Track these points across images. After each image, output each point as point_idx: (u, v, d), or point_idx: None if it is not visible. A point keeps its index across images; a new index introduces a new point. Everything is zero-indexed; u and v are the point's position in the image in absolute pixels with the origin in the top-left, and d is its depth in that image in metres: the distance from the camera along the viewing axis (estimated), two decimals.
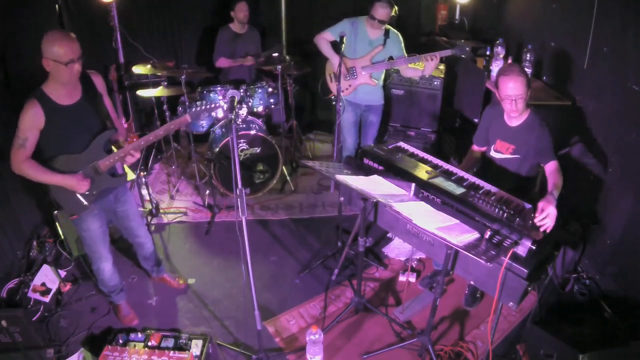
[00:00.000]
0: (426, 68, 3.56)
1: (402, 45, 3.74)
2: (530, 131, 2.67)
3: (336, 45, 3.74)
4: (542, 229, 2.19)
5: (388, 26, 3.66)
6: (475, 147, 3.04)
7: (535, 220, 2.21)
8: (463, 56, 3.54)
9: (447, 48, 3.50)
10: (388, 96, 4.53)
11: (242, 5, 4.55)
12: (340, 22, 3.73)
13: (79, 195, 2.54)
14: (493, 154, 2.87)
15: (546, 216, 2.19)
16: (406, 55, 3.71)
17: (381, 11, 3.51)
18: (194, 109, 2.46)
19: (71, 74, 2.33)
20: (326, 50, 3.77)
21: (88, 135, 2.50)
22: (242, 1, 4.54)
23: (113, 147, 2.67)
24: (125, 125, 2.79)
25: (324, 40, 3.77)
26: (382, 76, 3.90)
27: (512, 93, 2.55)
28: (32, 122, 2.32)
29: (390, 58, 3.72)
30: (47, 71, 2.35)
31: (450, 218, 2.26)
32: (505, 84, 2.56)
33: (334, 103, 3.80)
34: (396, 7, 3.58)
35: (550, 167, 2.62)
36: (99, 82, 2.60)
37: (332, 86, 3.90)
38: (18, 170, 2.39)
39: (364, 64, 3.69)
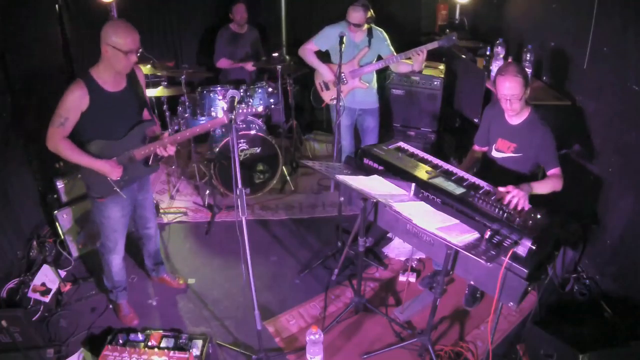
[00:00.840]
0: (415, 63, 3.51)
1: (388, 41, 3.71)
2: (532, 129, 2.68)
3: (321, 55, 3.76)
4: (511, 206, 2.30)
5: (370, 25, 3.62)
6: (476, 147, 3.05)
7: (504, 201, 2.33)
8: (451, 45, 3.49)
9: (434, 40, 3.47)
10: (388, 96, 4.53)
11: (239, 7, 4.56)
12: (322, 30, 3.72)
13: (109, 180, 2.55)
14: (494, 153, 2.87)
15: (512, 197, 2.31)
16: (394, 50, 3.68)
17: (354, 15, 3.49)
18: (234, 112, 2.37)
19: (128, 63, 2.39)
20: (312, 60, 3.77)
21: (128, 124, 2.55)
22: (240, 3, 4.54)
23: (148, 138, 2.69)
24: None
25: (308, 50, 3.76)
26: (374, 78, 3.87)
27: (508, 93, 2.57)
28: (75, 103, 2.36)
29: (379, 58, 3.70)
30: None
31: (450, 218, 2.26)
32: (502, 84, 2.58)
33: (333, 103, 3.80)
34: (372, 10, 3.54)
35: (552, 172, 2.65)
36: (140, 74, 2.67)
37: (324, 95, 3.89)
38: (54, 147, 2.41)
39: (352, 68, 3.67)
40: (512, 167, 2.81)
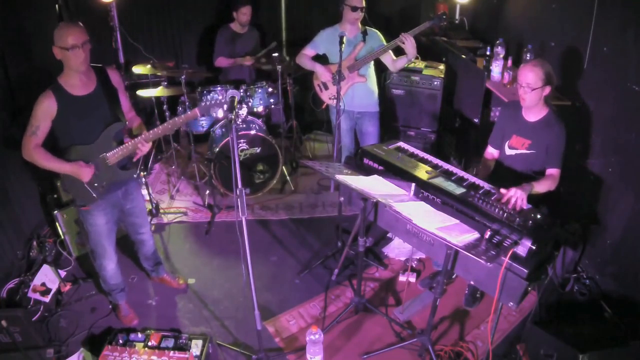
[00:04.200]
0: (408, 52, 3.46)
1: (382, 37, 3.69)
2: (549, 128, 2.71)
3: (319, 59, 3.78)
4: (510, 206, 2.34)
5: (365, 26, 3.62)
6: (488, 155, 3.04)
7: (503, 199, 2.37)
8: (441, 24, 3.50)
9: (425, 23, 3.45)
10: (388, 96, 4.53)
11: (247, 9, 4.56)
12: (317, 35, 3.75)
13: (88, 187, 2.56)
14: (507, 150, 2.89)
15: (511, 197, 2.36)
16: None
17: None
18: (203, 104, 2.49)
19: (77, 59, 2.37)
20: (308, 64, 3.78)
21: (100, 126, 2.55)
22: (248, 5, 4.54)
23: (125, 140, 2.68)
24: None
25: (305, 56, 3.78)
26: (372, 74, 3.84)
27: (521, 79, 2.64)
28: (44, 111, 2.39)
29: None
30: (55, 66, 2.43)
31: (450, 218, 2.26)
32: (520, 71, 2.66)
33: (333, 103, 3.80)
34: None
35: (551, 172, 2.69)
36: (114, 76, 2.64)
37: (323, 95, 3.89)
38: (28, 156, 2.45)
39: (349, 62, 3.67)
40: (523, 165, 2.83)
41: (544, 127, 2.73)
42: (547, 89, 2.63)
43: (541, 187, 2.58)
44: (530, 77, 2.59)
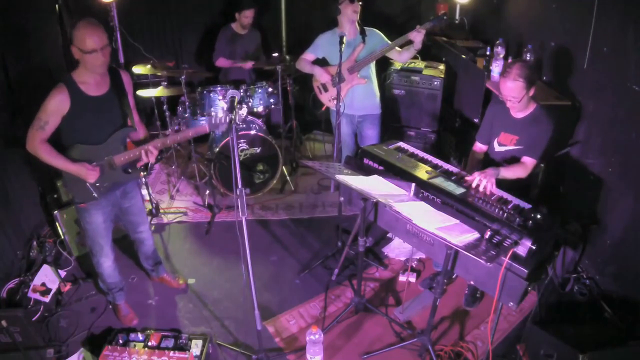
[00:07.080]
0: (416, 44, 3.45)
1: (382, 35, 3.69)
2: (536, 123, 2.72)
3: (318, 63, 3.79)
4: (480, 188, 2.42)
5: (362, 26, 3.60)
6: (477, 148, 3.05)
7: (472, 187, 2.45)
8: (442, 24, 3.55)
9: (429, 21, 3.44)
10: (388, 96, 4.53)
11: (250, 12, 4.56)
12: (316, 39, 3.77)
13: (88, 185, 2.55)
14: (496, 147, 2.89)
15: (479, 180, 2.44)
16: (389, 42, 3.65)
17: None
18: (213, 121, 2.47)
19: (95, 62, 2.35)
20: (307, 67, 3.80)
21: (109, 129, 2.53)
22: (251, 9, 4.54)
23: (129, 145, 2.67)
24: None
25: (305, 61, 3.80)
26: (373, 76, 3.83)
27: (506, 94, 2.65)
28: (56, 107, 2.36)
29: None
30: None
31: (450, 218, 2.26)
32: (502, 85, 2.65)
33: (332, 106, 3.79)
34: None
35: (525, 160, 2.73)
36: (127, 80, 2.64)
37: (322, 97, 3.89)
38: (32, 150, 2.40)
39: (349, 64, 3.67)
40: (513, 162, 2.82)
41: (531, 123, 2.74)
42: (532, 90, 2.64)
43: (509, 172, 2.61)
44: (514, 91, 2.60)
